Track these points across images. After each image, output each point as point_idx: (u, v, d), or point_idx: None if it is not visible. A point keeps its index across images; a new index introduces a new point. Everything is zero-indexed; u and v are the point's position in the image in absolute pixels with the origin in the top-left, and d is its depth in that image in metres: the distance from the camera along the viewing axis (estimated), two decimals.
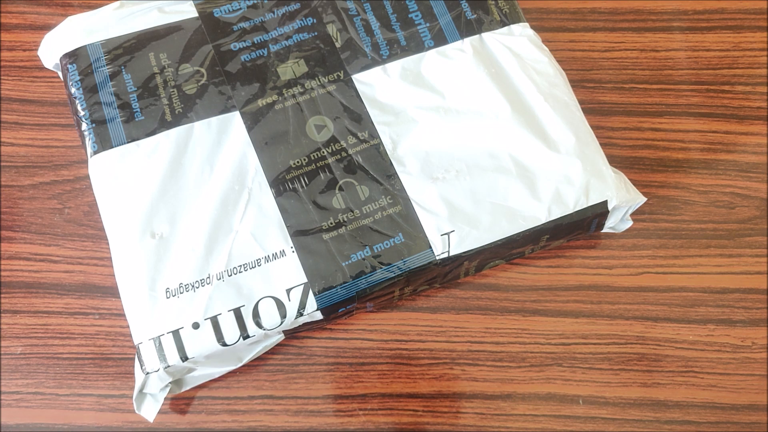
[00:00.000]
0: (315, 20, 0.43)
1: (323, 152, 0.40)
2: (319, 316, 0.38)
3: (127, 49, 0.42)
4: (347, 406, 0.41)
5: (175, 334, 0.37)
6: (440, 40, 0.43)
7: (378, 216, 0.39)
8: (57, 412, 0.41)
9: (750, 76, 0.48)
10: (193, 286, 0.37)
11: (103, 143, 0.40)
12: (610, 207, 0.40)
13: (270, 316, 0.37)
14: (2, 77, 0.48)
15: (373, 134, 0.41)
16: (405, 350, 0.42)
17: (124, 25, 0.43)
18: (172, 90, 0.41)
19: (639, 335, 0.42)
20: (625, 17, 0.49)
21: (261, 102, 0.41)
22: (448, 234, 0.38)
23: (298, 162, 0.40)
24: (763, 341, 0.42)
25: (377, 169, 0.40)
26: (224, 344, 0.37)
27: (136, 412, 0.38)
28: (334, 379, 0.41)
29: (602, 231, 0.42)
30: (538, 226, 0.39)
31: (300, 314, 0.37)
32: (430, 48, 0.43)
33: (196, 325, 0.37)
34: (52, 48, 0.43)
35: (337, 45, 0.43)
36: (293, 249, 0.38)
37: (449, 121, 0.41)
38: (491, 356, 0.42)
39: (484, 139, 0.41)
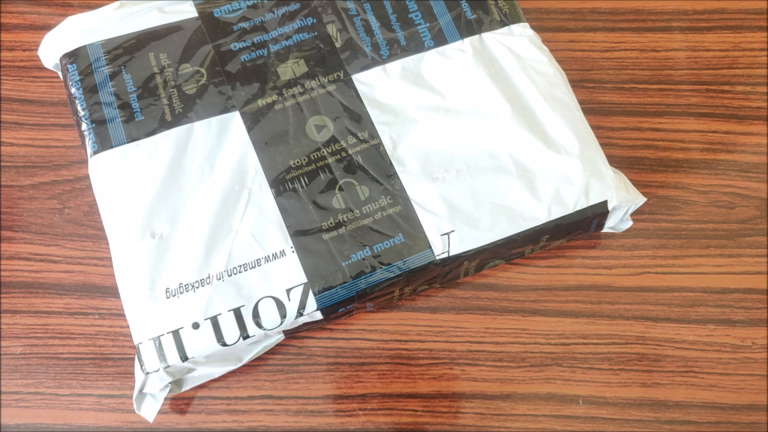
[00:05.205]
0: (315, 20, 0.43)
1: (323, 152, 0.40)
2: (319, 316, 0.38)
3: (127, 49, 0.42)
4: (347, 406, 0.41)
5: (175, 334, 0.37)
6: (440, 40, 0.43)
7: (378, 216, 0.39)
8: (57, 412, 0.41)
9: (750, 76, 0.48)
10: (193, 286, 0.37)
11: (103, 143, 0.40)
12: (610, 207, 0.40)
13: (270, 316, 0.37)
14: (2, 77, 0.48)
15: (373, 134, 0.41)
16: (405, 350, 0.42)
17: (124, 25, 0.43)
18: (172, 90, 0.41)
19: (639, 335, 0.42)
20: (625, 17, 0.49)
21: (261, 102, 0.41)
22: (448, 234, 0.38)
23: (298, 162, 0.40)
24: (763, 341, 0.42)
25: (377, 169, 0.40)
26: (224, 344, 0.37)
27: (136, 412, 0.38)
28: (334, 379, 0.41)
29: (602, 231, 0.42)
30: (538, 226, 0.39)
31: (300, 314, 0.37)
32: (430, 48, 0.43)
33: (196, 325, 0.37)
34: (52, 48, 0.43)
35: (337, 45, 0.43)
36: (293, 249, 0.38)
37: (449, 121, 0.41)
38: (491, 356, 0.42)
39: (484, 139, 0.41)
